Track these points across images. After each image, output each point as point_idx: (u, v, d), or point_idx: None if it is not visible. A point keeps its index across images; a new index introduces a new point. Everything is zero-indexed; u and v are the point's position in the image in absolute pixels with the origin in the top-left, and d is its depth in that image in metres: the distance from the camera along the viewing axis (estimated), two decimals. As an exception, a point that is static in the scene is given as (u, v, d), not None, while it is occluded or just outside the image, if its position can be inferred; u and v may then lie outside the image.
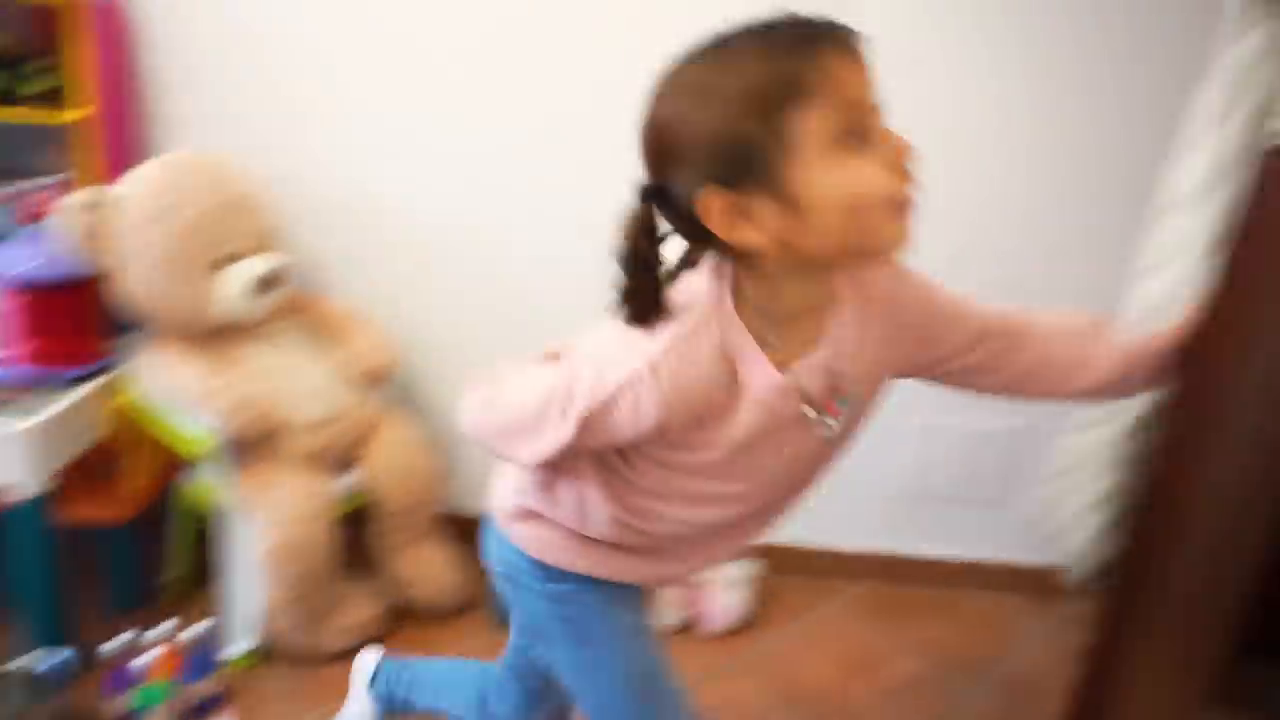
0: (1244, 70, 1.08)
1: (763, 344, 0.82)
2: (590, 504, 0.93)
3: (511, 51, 1.66)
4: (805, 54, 0.72)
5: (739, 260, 0.81)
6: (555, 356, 0.89)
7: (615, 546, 0.96)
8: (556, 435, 0.84)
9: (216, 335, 1.59)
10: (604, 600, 1.00)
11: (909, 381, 0.96)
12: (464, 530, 1.63)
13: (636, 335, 0.81)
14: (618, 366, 0.80)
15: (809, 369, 0.85)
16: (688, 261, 0.85)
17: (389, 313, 1.79)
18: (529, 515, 0.99)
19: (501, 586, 1.06)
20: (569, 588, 0.99)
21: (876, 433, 0.97)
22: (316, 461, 1.60)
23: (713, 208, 0.75)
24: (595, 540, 0.96)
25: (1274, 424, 0.88)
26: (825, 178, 0.73)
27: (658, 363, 0.79)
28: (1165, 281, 1.13)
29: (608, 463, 0.91)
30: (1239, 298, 0.90)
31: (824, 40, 0.73)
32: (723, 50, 0.75)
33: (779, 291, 0.81)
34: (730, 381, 0.82)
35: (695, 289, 0.83)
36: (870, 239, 0.76)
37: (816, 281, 0.83)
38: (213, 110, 1.74)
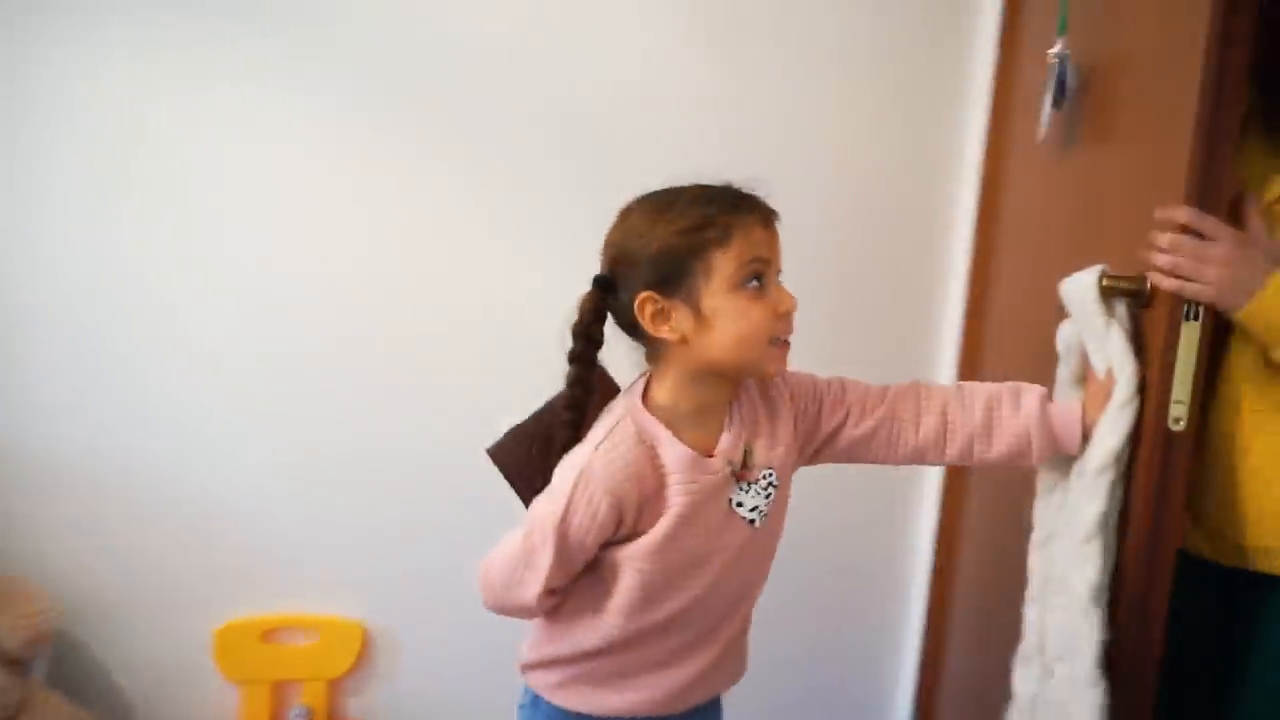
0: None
1: (674, 432, 1.00)
2: (596, 609, 1.05)
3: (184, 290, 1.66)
4: (735, 212, 0.96)
5: (653, 362, 1.02)
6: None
7: (625, 661, 1.06)
8: (545, 558, 0.99)
9: None
10: None
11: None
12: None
13: (565, 462, 1.01)
14: (563, 483, 0.99)
15: (718, 452, 1.02)
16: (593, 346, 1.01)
17: (54, 578, 1.63)
18: (548, 664, 1.10)
19: None
20: None
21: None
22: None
23: (646, 306, 0.96)
24: (606, 670, 1.07)
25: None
26: (727, 307, 0.95)
27: (591, 461, 0.98)
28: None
29: (595, 582, 1.04)
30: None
31: (750, 208, 0.97)
32: (679, 194, 0.98)
33: (683, 393, 1.01)
34: (655, 464, 0.99)
35: (612, 408, 1.03)
36: (751, 363, 0.99)
37: (712, 386, 1.01)
38: None
